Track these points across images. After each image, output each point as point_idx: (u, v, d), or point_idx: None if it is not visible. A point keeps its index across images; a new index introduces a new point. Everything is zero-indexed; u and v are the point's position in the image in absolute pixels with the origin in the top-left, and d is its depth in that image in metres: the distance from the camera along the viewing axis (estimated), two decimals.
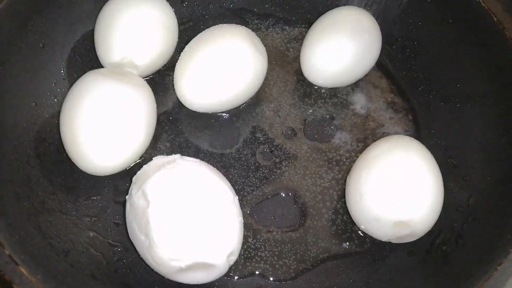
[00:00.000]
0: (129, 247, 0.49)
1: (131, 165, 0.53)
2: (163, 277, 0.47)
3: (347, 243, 0.52)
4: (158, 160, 0.47)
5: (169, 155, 0.48)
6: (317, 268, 0.51)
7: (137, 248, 0.46)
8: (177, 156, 0.48)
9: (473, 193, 0.52)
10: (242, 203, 0.51)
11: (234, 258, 0.46)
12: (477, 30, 0.56)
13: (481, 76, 0.56)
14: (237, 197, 0.47)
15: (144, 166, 0.47)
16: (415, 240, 0.50)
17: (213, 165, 0.49)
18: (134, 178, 0.47)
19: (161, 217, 0.43)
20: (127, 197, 0.47)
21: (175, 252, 0.42)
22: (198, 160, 0.48)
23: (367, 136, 0.59)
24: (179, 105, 0.57)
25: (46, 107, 0.54)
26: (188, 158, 0.48)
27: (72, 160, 0.51)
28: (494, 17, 0.54)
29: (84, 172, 0.51)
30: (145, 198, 0.43)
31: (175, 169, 0.45)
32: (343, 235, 0.53)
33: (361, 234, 0.53)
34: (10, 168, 0.48)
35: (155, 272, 0.47)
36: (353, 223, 0.52)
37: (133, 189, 0.45)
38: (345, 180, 0.54)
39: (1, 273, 0.37)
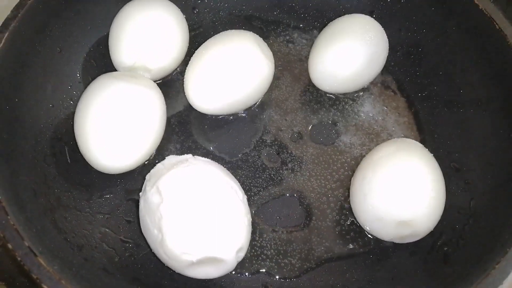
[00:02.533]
0: (140, 244, 0.51)
1: (142, 164, 0.55)
2: (173, 272, 0.48)
3: (351, 243, 0.53)
4: (171, 159, 0.49)
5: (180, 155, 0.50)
6: (321, 267, 0.52)
7: (150, 243, 0.47)
8: (189, 155, 0.50)
9: (474, 196, 0.53)
10: (249, 203, 0.52)
11: (242, 254, 0.47)
12: (480, 37, 0.57)
13: (484, 82, 0.57)
14: (245, 196, 0.49)
15: (158, 165, 0.49)
16: (417, 241, 0.51)
17: (222, 166, 0.51)
18: (147, 176, 0.49)
19: (174, 212, 0.45)
20: (140, 193, 0.48)
21: (186, 247, 0.44)
22: (209, 160, 0.50)
23: (372, 139, 0.60)
24: (189, 107, 0.59)
25: (62, 109, 0.57)
26: (200, 158, 0.50)
27: (86, 158, 0.53)
28: (496, 24, 0.55)
29: (98, 172, 0.53)
30: (159, 194, 0.45)
31: (188, 167, 0.47)
32: (347, 235, 0.54)
33: (364, 234, 0.54)
34: (28, 166, 0.50)
35: (165, 267, 0.48)
36: (357, 224, 0.54)
37: (147, 186, 0.47)
38: (349, 182, 0.55)
39: (21, 263, 0.39)
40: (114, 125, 0.51)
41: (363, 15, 0.62)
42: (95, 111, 0.52)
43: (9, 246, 0.40)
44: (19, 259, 0.39)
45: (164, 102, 0.57)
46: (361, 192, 0.51)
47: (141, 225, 0.48)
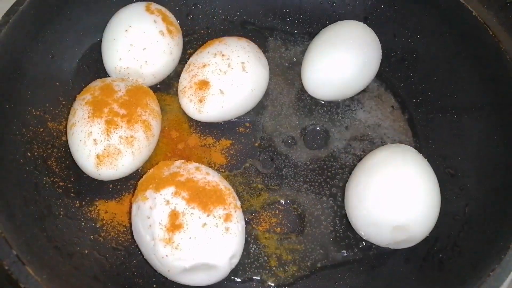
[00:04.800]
0: (132, 252, 0.51)
1: (136, 171, 0.55)
2: (165, 280, 0.48)
3: (345, 250, 0.53)
4: (163, 164, 0.49)
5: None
6: (315, 274, 0.52)
7: (142, 249, 0.47)
8: (182, 161, 0.49)
9: (469, 202, 0.53)
10: (243, 209, 0.52)
11: (235, 261, 0.47)
12: (473, 42, 0.57)
13: (478, 87, 0.57)
14: (239, 202, 0.49)
15: (150, 170, 0.49)
16: (412, 248, 0.51)
17: (215, 171, 0.50)
18: (140, 182, 0.48)
19: (166, 218, 0.44)
20: (133, 200, 0.48)
21: (179, 253, 0.44)
22: (202, 166, 0.50)
23: (366, 145, 0.60)
24: (183, 113, 0.59)
25: (54, 115, 0.56)
26: (193, 163, 0.49)
27: (79, 165, 0.52)
28: (490, 30, 0.55)
29: (90, 178, 0.53)
30: (152, 201, 0.45)
31: (181, 173, 0.47)
32: (341, 242, 0.53)
33: (359, 241, 0.53)
34: (19, 173, 0.50)
35: (157, 275, 0.48)
36: (351, 230, 0.53)
37: (140, 192, 0.47)
38: (344, 188, 0.55)
39: (9, 272, 0.39)
40: (107, 132, 0.51)
41: (356, 22, 0.62)
42: (88, 117, 0.51)
43: None
44: (6, 268, 0.39)
45: (159, 108, 0.57)
46: (356, 198, 0.51)
47: (133, 231, 0.48)
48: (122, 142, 0.51)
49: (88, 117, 0.51)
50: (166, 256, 0.44)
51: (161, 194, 0.45)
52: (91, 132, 0.51)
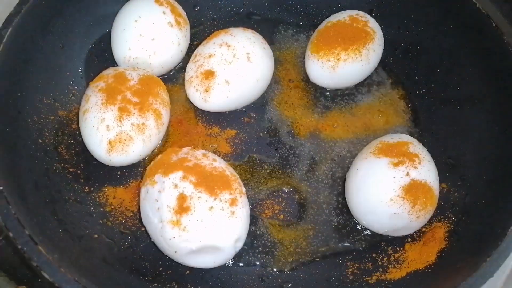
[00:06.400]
0: (139, 236, 0.52)
1: (143, 159, 0.56)
2: (171, 264, 0.49)
3: (346, 238, 0.54)
4: (171, 151, 0.50)
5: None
6: (316, 261, 0.53)
7: (150, 232, 0.48)
8: (190, 148, 0.50)
9: (469, 192, 0.54)
10: (247, 197, 0.53)
11: (240, 244, 0.48)
12: (477, 35, 0.58)
13: (480, 79, 0.58)
14: (244, 188, 0.50)
15: (159, 156, 0.50)
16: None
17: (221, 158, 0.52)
18: (149, 167, 0.50)
19: (175, 201, 0.45)
20: (141, 184, 0.49)
21: (186, 234, 0.45)
22: (209, 153, 0.51)
23: (369, 135, 0.61)
24: (190, 103, 0.60)
25: (64, 103, 0.58)
26: (200, 150, 0.51)
27: (90, 151, 0.53)
28: (493, 23, 0.56)
29: (99, 164, 0.54)
30: (160, 184, 0.46)
31: (188, 159, 0.48)
32: (343, 229, 0.55)
33: (359, 229, 0.54)
34: (30, 159, 0.51)
35: (164, 259, 0.49)
36: (352, 218, 0.55)
37: (149, 176, 0.48)
38: (345, 177, 0.56)
39: (22, 252, 0.40)
40: (120, 119, 0.52)
41: (358, 11, 0.63)
42: (100, 104, 0.53)
43: (10, 234, 0.41)
44: (19, 247, 0.40)
45: (168, 97, 0.58)
46: (355, 186, 0.52)
47: (141, 214, 0.49)
48: (134, 129, 0.53)
49: (102, 104, 0.53)
50: (174, 237, 0.45)
51: (169, 178, 0.46)
52: (104, 118, 0.52)
